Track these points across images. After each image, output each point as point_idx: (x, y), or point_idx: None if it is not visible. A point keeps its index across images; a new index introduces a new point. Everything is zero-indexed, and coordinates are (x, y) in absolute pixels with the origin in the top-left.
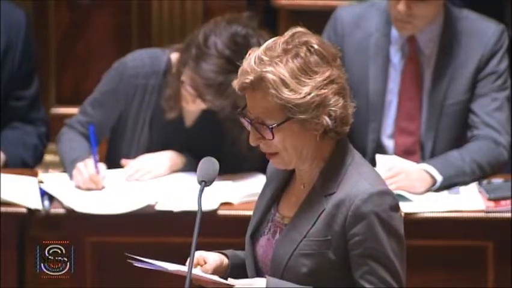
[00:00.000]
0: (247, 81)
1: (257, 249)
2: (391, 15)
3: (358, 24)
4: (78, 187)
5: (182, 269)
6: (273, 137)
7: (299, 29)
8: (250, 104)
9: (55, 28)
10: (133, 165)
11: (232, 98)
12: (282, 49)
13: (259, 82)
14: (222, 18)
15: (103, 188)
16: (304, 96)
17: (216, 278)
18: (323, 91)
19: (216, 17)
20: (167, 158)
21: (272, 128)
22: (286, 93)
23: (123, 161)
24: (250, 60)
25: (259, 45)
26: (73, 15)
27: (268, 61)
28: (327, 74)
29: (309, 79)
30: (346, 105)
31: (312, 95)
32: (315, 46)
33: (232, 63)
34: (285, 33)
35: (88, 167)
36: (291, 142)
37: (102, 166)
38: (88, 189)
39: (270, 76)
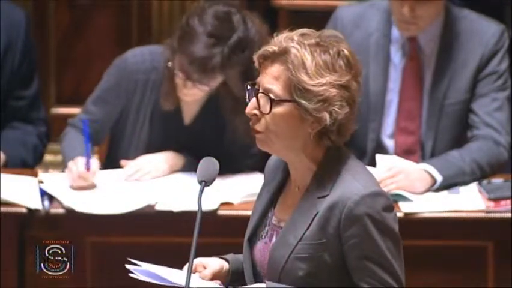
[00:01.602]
0: (270, 50)
1: (255, 253)
2: (394, 17)
3: (358, 24)
4: (71, 186)
5: (181, 281)
6: (270, 111)
7: (338, 34)
8: (263, 74)
9: (55, 28)
10: (132, 166)
11: (219, 73)
12: (315, 42)
13: (282, 54)
14: (204, 0)
15: (93, 184)
16: (316, 85)
17: (214, 285)
18: (334, 90)
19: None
20: (167, 158)
21: (273, 100)
22: (302, 75)
23: (122, 162)
24: (281, 36)
25: (244, 21)
26: (73, 15)
27: (298, 42)
28: (346, 78)
29: (328, 74)
30: (349, 117)
31: (324, 88)
32: (346, 52)
33: (214, 37)
34: (323, 31)
35: (77, 164)
36: (283, 125)
37: (94, 162)
38: (79, 188)
39: (294, 51)
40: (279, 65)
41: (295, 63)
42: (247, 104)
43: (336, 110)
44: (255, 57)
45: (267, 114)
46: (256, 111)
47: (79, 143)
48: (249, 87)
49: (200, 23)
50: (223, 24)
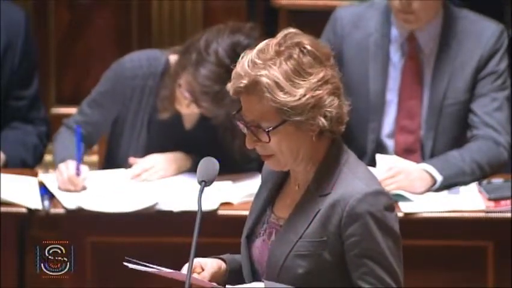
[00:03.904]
0: (241, 85)
1: (253, 250)
2: (393, 11)
3: (357, 24)
4: (59, 187)
5: (178, 272)
6: (270, 140)
7: (291, 29)
8: (245, 108)
9: (55, 28)
10: (140, 165)
11: (228, 108)
12: (275, 51)
13: (254, 86)
14: (225, 26)
15: (82, 189)
16: (299, 98)
17: (213, 284)
18: (317, 92)
19: (219, 24)
20: (175, 158)
21: (268, 131)
22: (282, 96)
23: (131, 160)
24: (244, 63)
25: None
26: (73, 15)
27: (262, 64)
28: (321, 74)
29: (304, 81)
30: (341, 105)
31: (307, 96)
32: (308, 47)
33: (230, 72)
34: (277, 35)
35: (68, 168)
36: (287, 144)
37: (85, 168)
38: (67, 190)
39: (264, 80)
40: (256, 96)
41: (270, 89)
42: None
43: (329, 109)
44: (229, 90)
45: (268, 142)
46: (257, 143)
47: (71, 144)
48: (237, 122)
49: (219, 53)
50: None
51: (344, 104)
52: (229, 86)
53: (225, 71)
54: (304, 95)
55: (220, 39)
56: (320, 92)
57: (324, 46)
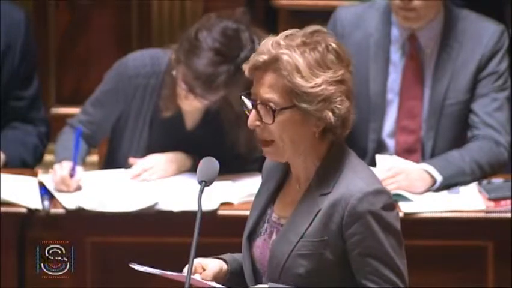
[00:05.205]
0: (261, 59)
1: (254, 250)
2: (393, 7)
3: (358, 24)
4: (54, 188)
5: (182, 275)
6: (273, 121)
7: (320, 27)
8: (258, 85)
9: (55, 28)
10: (140, 165)
11: (223, 91)
12: (302, 41)
13: (273, 62)
14: (214, 14)
15: (76, 190)
16: (314, 86)
17: (215, 285)
18: (332, 87)
19: (209, 13)
20: (175, 158)
21: (275, 110)
22: (298, 79)
23: (131, 160)
24: (267, 42)
25: (252, 40)
26: (73, 15)
27: (286, 46)
28: (340, 72)
29: (323, 73)
30: (350, 109)
31: (322, 87)
32: (334, 45)
33: (221, 55)
34: (306, 28)
35: (63, 168)
36: (289, 132)
37: (79, 169)
38: (61, 191)
39: (285, 58)
40: (272, 73)
41: (288, 69)
42: (247, 116)
43: (338, 106)
44: (245, 68)
45: (271, 124)
46: (259, 123)
47: (72, 144)
48: (245, 99)
49: (208, 39)
50: (232, 42)
51: (352, 111)
52: (246, 65)
53: (215, 54)
54: (320, 85)
55: (208, 26)
56: (335, 87)
57: (347, 53)
